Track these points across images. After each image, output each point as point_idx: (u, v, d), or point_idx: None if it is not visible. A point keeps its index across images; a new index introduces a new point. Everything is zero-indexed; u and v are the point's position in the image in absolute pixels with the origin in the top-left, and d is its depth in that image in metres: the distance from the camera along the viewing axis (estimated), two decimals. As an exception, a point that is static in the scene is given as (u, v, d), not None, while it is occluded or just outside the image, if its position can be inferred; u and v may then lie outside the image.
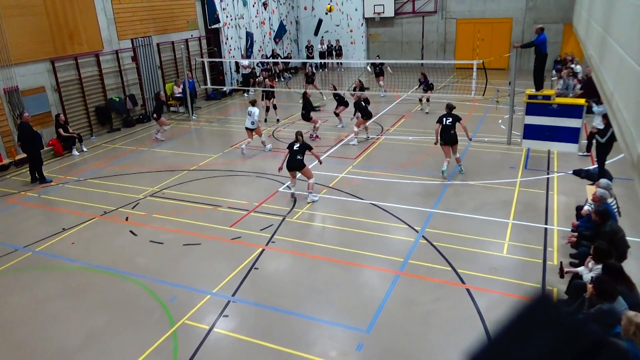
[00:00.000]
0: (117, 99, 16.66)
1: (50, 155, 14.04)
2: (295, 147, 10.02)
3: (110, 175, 12.33)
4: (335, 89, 16.14)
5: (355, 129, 13.76)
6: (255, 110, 13.28)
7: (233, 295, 7.07)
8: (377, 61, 19.69)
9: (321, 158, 10.67)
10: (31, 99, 13.84)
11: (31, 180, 12.04)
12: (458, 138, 10.82)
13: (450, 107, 11.10)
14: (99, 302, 7.10)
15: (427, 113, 16.57)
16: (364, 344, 5.97)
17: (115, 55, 16.56)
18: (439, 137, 10.81)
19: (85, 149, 14.50)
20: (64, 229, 9.42)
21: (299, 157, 9.93)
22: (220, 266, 7.84)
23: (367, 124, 14.14)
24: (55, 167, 13.24)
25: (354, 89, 16.12)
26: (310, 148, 10.10)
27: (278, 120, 16.81)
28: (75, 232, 9.29)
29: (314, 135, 14.41)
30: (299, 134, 10.25)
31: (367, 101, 14.18)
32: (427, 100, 16.82)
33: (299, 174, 10.15)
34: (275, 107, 16.85)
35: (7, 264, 8.30)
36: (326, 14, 15.65)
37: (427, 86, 16.58)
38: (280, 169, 10.22)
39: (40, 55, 14.13)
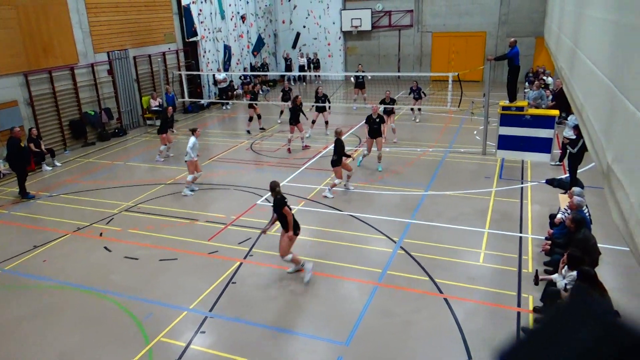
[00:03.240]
0: (93, 113, 16.42)
1: (22, 171, 13.71)
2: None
3: (84, 190, 12.09)
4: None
5: (337, 181, 10.80)
6: (190, 140, 11.09)
7: (210, 310, 6.96)
8: (360, 73, 19.64)
9: (300, 170, 10.42)
10: (3, 113, 13.54)
11: (19, 193, 11.70)
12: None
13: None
14: (72, 321, 6.90)
15: (417, 122, 17.10)
16: (343, 356, 5.93)
17: (91, 69, 16.35)
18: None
19: (58, 164, 14.20)
20: (35, 246, 9.17)
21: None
22: (197, 281, 7.72)
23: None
24: (27, 182, 12.89)
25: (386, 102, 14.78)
26: (284, 205, 7.40)
27: (263, 128, 16.94)
28: (47, 250, 9.04)
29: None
30: (271, 186, 7.53)
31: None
32: (419, 109, 17.30)
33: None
34: (259, 117, 16.92)
35: (-25, 283, 8.02)
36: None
37: (419, 94, 16.76)
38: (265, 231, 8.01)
39: (12, 68, 13.85)
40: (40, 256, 8.80)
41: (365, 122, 12.26)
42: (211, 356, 6.06)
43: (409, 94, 17.27)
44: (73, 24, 15.63)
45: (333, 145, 10.79)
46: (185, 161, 11.32)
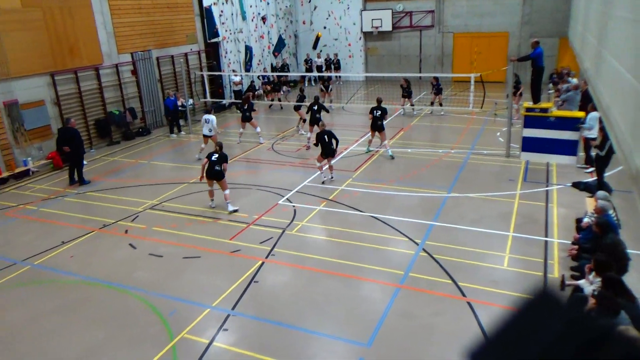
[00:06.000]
0: (117, 112, 16.72)
1: (50, 169, 14.06)
2: (213, 158, 10.28)
3: (109, 188, 12.32)
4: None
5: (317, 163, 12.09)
6: (212, 118, 13.84)
7: (233, 309, 7.02)
8: (325, 74, 20.37)
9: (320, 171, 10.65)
10: (31, 112, 13.88)
11: (70, 182, 12.72)
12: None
13: (379, 101, 13.60)
14: (97, 316, 7.04)
15: (442, 114, 18.02)
16: (364, 358, 5.93)
17: (115, 69, 16.65)
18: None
19: (84, 162, 14.47)
20: (62, 242, 9.39)
21: (217, 167, 10.20)
22: (220, 279, 7.81)
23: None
24: (54, 179, 13.23)
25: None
26: (226, 160, 10.42)
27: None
28: (74, 245, 9.25)
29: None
30: (218, 145, 10.60)
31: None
32: (440, 104, 18.02)
33: (216, 185, 10.45)
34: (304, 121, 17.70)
35: (5, 277, 8.24)
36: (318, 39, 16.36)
37: (438, 90, 17.82)
38: (201, 178, 10.46)
39: (39, 69, 14.19)
40: (68, 252, 9.01)
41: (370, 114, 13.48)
42: (233, 354, 6.12)
43: (431, 90, 18.15)
44: (97, 26, 15.94)
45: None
46: (211, 136, 13.88)
